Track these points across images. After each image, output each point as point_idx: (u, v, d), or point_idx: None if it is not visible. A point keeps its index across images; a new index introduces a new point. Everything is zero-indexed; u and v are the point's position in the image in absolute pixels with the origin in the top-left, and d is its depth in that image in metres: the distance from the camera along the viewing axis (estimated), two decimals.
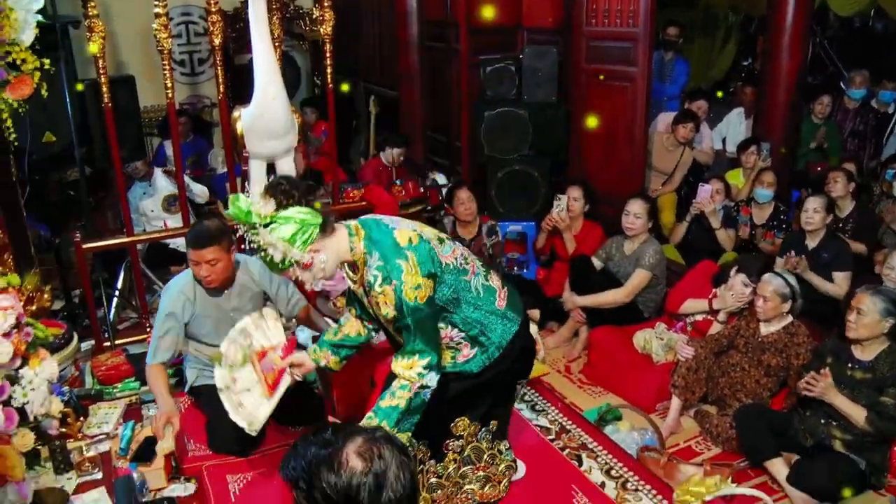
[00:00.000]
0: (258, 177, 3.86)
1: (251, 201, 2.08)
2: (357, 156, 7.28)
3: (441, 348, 2.22)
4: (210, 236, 2.96)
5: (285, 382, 2.58)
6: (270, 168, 3.90)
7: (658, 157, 5.32)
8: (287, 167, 3.91)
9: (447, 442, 2.44)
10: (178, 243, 4.58)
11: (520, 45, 5.37)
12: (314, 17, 4.72)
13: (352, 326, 2.57)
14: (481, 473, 2.54)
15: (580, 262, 4.14)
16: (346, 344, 2.60)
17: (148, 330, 4.07)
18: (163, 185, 4.88)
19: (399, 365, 2.17)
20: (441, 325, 2.25)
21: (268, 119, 3.64)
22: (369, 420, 2.15)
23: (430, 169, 5.92)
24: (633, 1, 4.60)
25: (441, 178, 5.60)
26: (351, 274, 2.30)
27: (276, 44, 4.05)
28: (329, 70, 4.31)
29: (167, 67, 3.75)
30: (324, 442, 1.34)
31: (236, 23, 6.49)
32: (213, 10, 3.82)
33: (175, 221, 4.61)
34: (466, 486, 2.51)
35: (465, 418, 2.44)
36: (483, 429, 2.50)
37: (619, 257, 4.08)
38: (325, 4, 4.18)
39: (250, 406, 2.55)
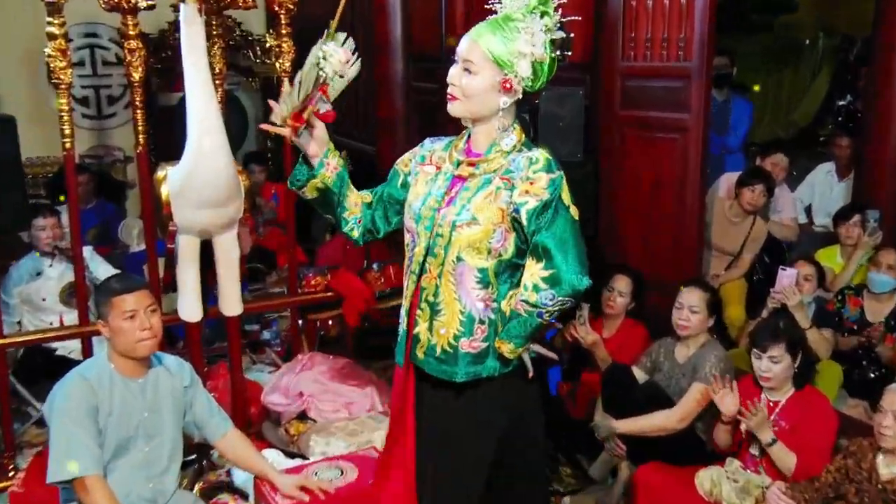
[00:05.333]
0: (188, 258, 3.78)
1: None
2: (321, 230, 7.21)
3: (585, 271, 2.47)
4: (140, 279, 3.14)
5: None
6: (206, 248, 3.83)
7: (720, 232, 5.27)
8: (228, 245, 3.85)
9: None
10: (72, 348, 4.37)
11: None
12: (268, 46, 4.71)
13: (356, 201, 2.76)
14: None
15: (617, 374, 4.06)
16: (346, 194, 2.74)
17: (11, 475, 3.80)
18: (65, 267, 4.72)
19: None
20: (499, 282, 2.52)
21: (204, 181, 3.59)
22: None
23: None
24: (684, 25, 4.62)
25: None
26: (460, 156, 2.54)
27: (218, 80, 4.01)
28: None
29: (64, 107, 3.66)
30: None
31: (162, 50, 6.49)
32: (132, 31, 3.71)
33: (72, 318, 4.43)
34: None
35: None
36: None
37: (669, 366, 4.01)
38: (284, 32, 4.19)
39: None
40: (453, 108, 2.48)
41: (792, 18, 8.70)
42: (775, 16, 8.97)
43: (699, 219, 4.85)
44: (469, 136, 2.55)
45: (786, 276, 4.40)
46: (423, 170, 2.63)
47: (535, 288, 2.39)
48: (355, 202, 2.75)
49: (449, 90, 2.45)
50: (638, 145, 4.91)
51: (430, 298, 2.52)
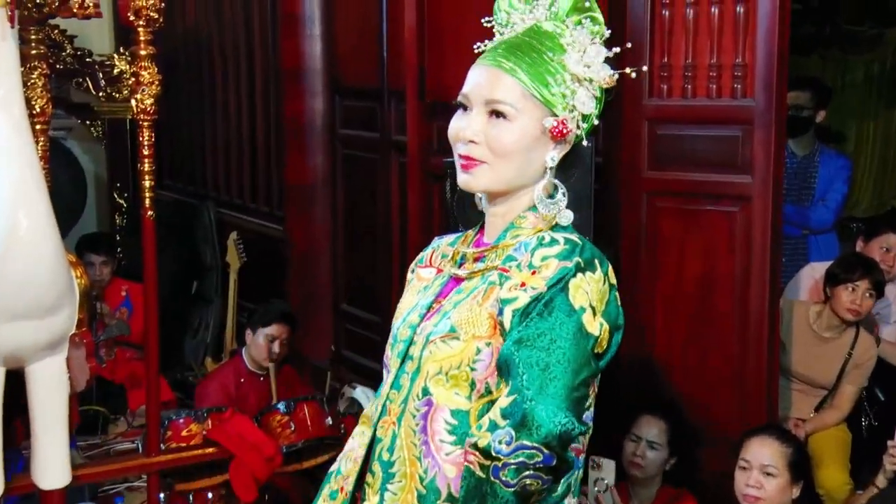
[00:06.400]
0: None
1: None
2: (197, 353, 7.21)
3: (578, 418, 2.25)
4: None
5: None
6: (15, 381, 3.82)
7: (804, 353, 5.34)
8: (51, 378, 3.85)
9: None
10: None
11: None
12: (116, 73, 4.79)
13: None
14: None
15: None
16: None
17: None
18: None
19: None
20: None
21: (16, 277, 3.60)
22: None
23: (346, 378, 5.86)
24: (742, 45, 4.68)
25: (366, 395, 5.52)
26: (468, 248, 2.52)
27: (39, 124, 4.09)
28: (147, 179, 4.35)
29: None
30: None
31: None
32: None
33: None
34: None
35: None
36: None
37: None
38: (144, 53, 4.27)
39: None
40: (476, 179, 2.40)
41: None
42: (884, 27, 9.27)
43: (771, 333, 4.86)
44: (483, 223, 2.53)
45: None
46: (419, 274, 2.61)
47: (491, 425, 2.20)
48: None
49: (464, 151, 2.36)
50: (677, 223, 4.96)
51: (385, 455, 2.44)
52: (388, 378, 2.49)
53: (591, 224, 5.01)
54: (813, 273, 5.50)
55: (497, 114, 2.34)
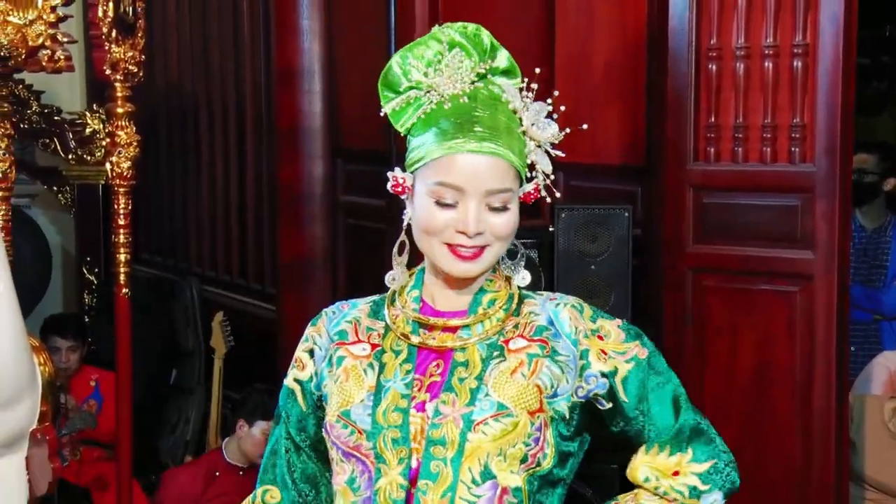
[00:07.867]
0: None
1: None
2: (176, 452, 7.17)
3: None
4: None
5: None
6: None
7: (879, 457, 5.31)
8: (6, 484, 3.73)
9: None
10: None
11: (548, 204, 5.43)
12: (89, 132, 4.78)
13: None
14: None
15: None
16: None
17: None
18: None
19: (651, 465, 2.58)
20: None
21: None
22: None
23: None
24: (800, 104, 4.69)
25: None
26: (412, 314, 2.58)
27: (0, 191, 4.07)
28: (122, 253, 4.33)
29: None
30: None
31: None
32: None
33: None
34: None
35: None
36: None
37: None
38: (121, 111, 4.32)
39: None
40: (481, 265, 2.48)
41: None
42: None
43: (839, 433, 4.85)
44: (419, 288, 2.60)
45: None
46: (349, 353, 2.60)
47: (694, 492, 2.53)
48: None
49: (470, 242, 2.41)
50: (726, 305, 4.96)
51: None
52: (386, 470, 2.47)
53: (629, 304, 5.00)
54: (887, 363, 5.45)
55: (503, 206, 2.45)
